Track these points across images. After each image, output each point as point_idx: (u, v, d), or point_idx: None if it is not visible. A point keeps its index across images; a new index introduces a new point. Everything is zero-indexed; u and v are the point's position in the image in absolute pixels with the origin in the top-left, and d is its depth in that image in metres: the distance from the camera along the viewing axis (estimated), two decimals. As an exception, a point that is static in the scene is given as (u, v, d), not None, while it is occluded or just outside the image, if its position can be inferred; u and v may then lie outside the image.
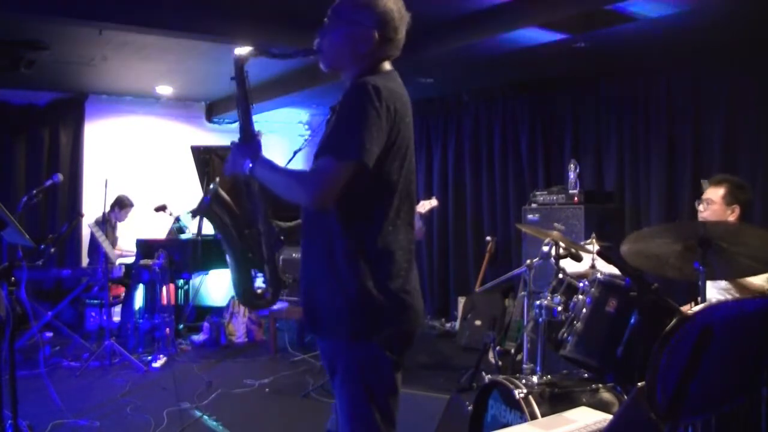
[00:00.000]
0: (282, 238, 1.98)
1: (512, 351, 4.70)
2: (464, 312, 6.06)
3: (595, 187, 5.73)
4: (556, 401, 2.62)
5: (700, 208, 3.13)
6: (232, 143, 1.89)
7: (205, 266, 6.19)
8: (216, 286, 7.51)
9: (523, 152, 6.47)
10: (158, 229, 6.91)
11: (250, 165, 1.82)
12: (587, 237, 4.21)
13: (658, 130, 5.36)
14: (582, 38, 4.61)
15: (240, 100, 1.92)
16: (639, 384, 1.41)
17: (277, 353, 5.76)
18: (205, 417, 4.06)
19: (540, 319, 2.96)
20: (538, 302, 2.99)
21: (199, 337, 6.22)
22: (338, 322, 1.77)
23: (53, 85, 6.89)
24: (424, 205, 5.22)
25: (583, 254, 3.31)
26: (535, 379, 2.77)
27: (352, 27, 1.82)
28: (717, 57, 4.89)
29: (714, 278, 2.89)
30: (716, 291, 3.07)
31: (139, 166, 7.53)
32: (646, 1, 3.81)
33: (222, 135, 8.05)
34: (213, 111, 8.15)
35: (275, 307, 6.33)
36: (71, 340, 5.55)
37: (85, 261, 6.89)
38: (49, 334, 5.86)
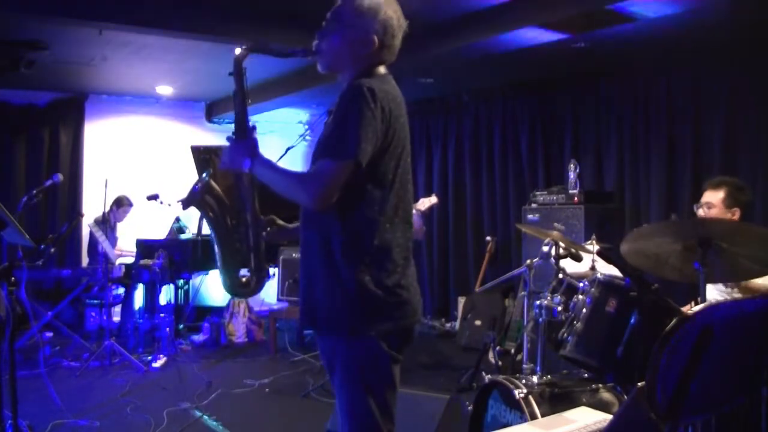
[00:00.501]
0: (269, 229, 2.02)
1: (512, 351, 4.70)
2: (464, 312, 6.06)
3: (595, 187, 5.73)
4: (556, 401, 2.62)
5: (700, 212, 3.10)
6: (228, 138, 1.92)
7: (205, 266, 6.20)
8: (216, 286, 7.49)
9: (523, 152, 6.47)
10: (158, 229, 6.91)
11: (250, 163, 1.85)
12: (587, 237, 4.22)
13: (658, 130, 5.35)
14: (582, 38, 4.61)
15: (237, 95, 1.94)
16: (639, 384, 1.41)
17: (277, 353, 5.76)
18: (205, 417, 4.06)
19: (540, 319, 2.96)
20: (538, 302, 2.99)
21: (199, 337, 6.22)
22: (336, 318, 1.80)
23: (53, 85, 6.88)
24: (424, 203, 5.22)
25: (583, 254, 3.32)
26: (535, 379, 2.77)
27: (353, 31, 1.86)
28: (717, 57, 4.89)
29: (714, 281, 2.87)
30: (717, 292, 3.06)
31: (139, 166, 7.52)
32: (646, 1, 3.81)
33: (222, 135, 7.89)
34: (213, 111, 8.14)
35: (275, 307, 6.34)
36: (71, 340, 5.55)
37: (85, 261, 6.89)
38: (49, 334, 5.85)
